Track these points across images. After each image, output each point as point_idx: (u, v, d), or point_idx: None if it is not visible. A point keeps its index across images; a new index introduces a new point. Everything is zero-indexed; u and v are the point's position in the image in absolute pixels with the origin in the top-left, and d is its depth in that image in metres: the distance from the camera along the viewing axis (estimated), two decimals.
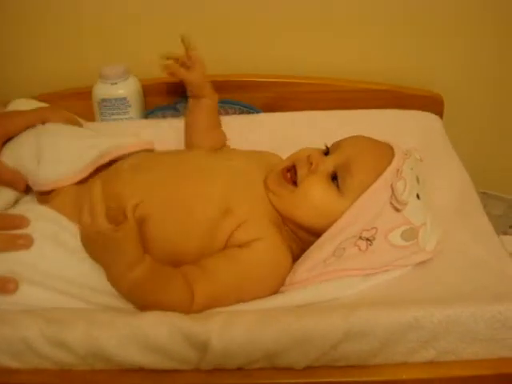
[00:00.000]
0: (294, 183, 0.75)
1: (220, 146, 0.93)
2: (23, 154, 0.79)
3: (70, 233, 0.71)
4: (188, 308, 0.66)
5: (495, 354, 0.64)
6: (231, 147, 0.95)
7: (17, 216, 0.71)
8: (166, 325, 0.61)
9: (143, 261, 0.63)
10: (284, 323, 0.62)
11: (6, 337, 0.61)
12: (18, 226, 0.70)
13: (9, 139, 0.81)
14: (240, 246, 0.71)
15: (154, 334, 0.61)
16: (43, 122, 0.82)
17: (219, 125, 0.96)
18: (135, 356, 0.61)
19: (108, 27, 1.07)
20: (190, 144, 0.93)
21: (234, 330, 0.61)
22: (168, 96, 1.08)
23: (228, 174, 0.77)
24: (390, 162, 0.74)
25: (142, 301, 0.65)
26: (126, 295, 0.66)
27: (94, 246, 0.64)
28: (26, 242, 0.68)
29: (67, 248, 0.70)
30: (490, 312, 0.62)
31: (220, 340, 0.60)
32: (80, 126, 0.90)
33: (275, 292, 0.72)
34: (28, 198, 0.83)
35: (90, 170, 0.79)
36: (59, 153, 0.79)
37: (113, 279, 0.64)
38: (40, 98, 1.02)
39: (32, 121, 0.82)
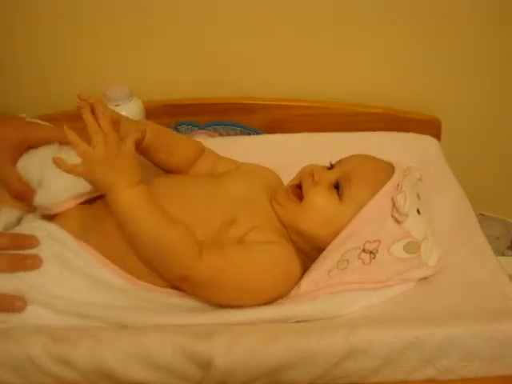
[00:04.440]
0: (301, 199, 0.76)
1: (198, 150, 0.90)
2: (32, 169, 0.77)
3: (75, 253, 0.71)
4: (196, 258, 0.66)
5: (495, 372, 0.64)
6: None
7: (27, 236, 0.71)
8: (169, 343, 0.62)
9: (142, 183, 0.69)
10: (287, 342, 0.62)
11: (10, 353, 0.62)
12: (28, 246, 0.70)
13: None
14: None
15: (158, 352, 0.62)
16: (60, 143, 0.79)
17: (180, 137, 0.92)
18: (138, 373, 0.62)
19: (111, 49, 1.09)
20: (172, 166, 0.87)
21: (237, 348, 0.62)
22: (170, 117, 1.10)
23: (228, 201, 0.78)
24: (390, 177, 0.76)
25: (144, 228, 0.67)
26: (124, 215, 0.68)
27: (103, 165, 0.68)
28: (35, 263, 0.68)
29: (72, 268, 0.70)
30: (490, 331, 0.63)
31: (223, 358, 0.61)
32: None
33: (276, 297, 0.71)
34: (31, 216, 0.82)
35: (94, 194, 0.78)
36: (61, 174, 0.78)
37: (115, 196, 0.68)
38: (44, 119, 1.02)
39: (52, 138, 0.79)
